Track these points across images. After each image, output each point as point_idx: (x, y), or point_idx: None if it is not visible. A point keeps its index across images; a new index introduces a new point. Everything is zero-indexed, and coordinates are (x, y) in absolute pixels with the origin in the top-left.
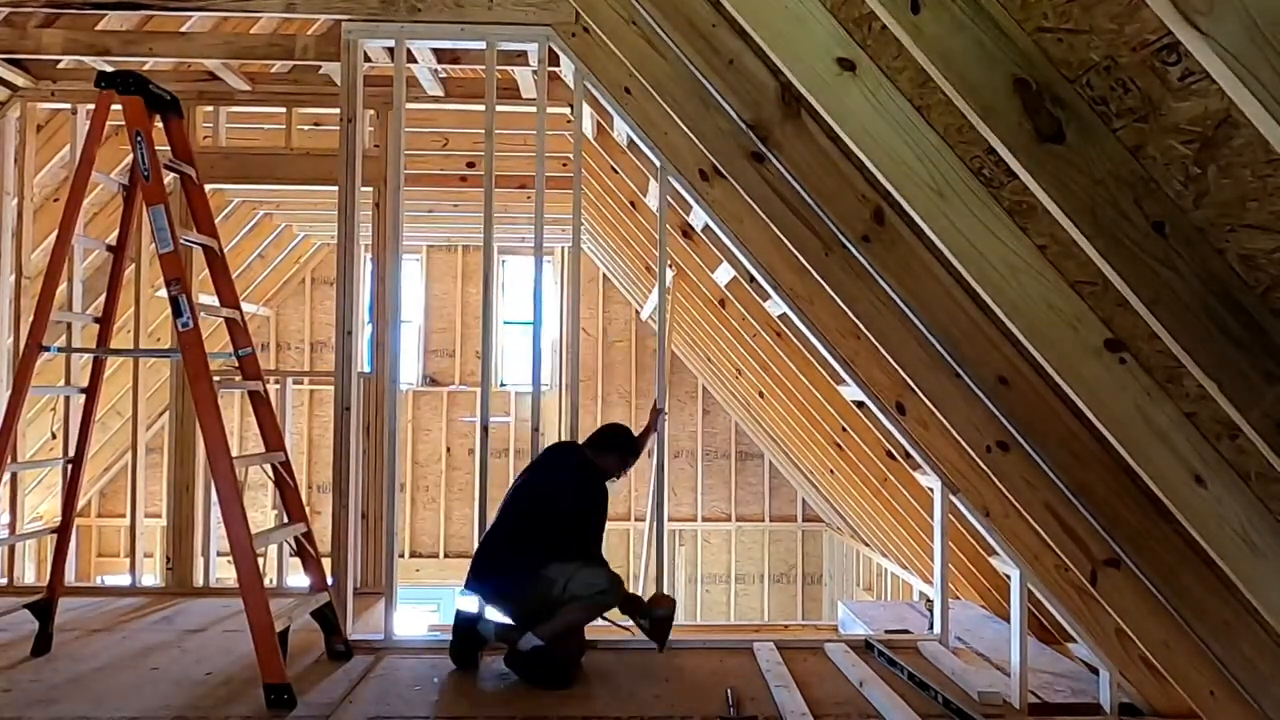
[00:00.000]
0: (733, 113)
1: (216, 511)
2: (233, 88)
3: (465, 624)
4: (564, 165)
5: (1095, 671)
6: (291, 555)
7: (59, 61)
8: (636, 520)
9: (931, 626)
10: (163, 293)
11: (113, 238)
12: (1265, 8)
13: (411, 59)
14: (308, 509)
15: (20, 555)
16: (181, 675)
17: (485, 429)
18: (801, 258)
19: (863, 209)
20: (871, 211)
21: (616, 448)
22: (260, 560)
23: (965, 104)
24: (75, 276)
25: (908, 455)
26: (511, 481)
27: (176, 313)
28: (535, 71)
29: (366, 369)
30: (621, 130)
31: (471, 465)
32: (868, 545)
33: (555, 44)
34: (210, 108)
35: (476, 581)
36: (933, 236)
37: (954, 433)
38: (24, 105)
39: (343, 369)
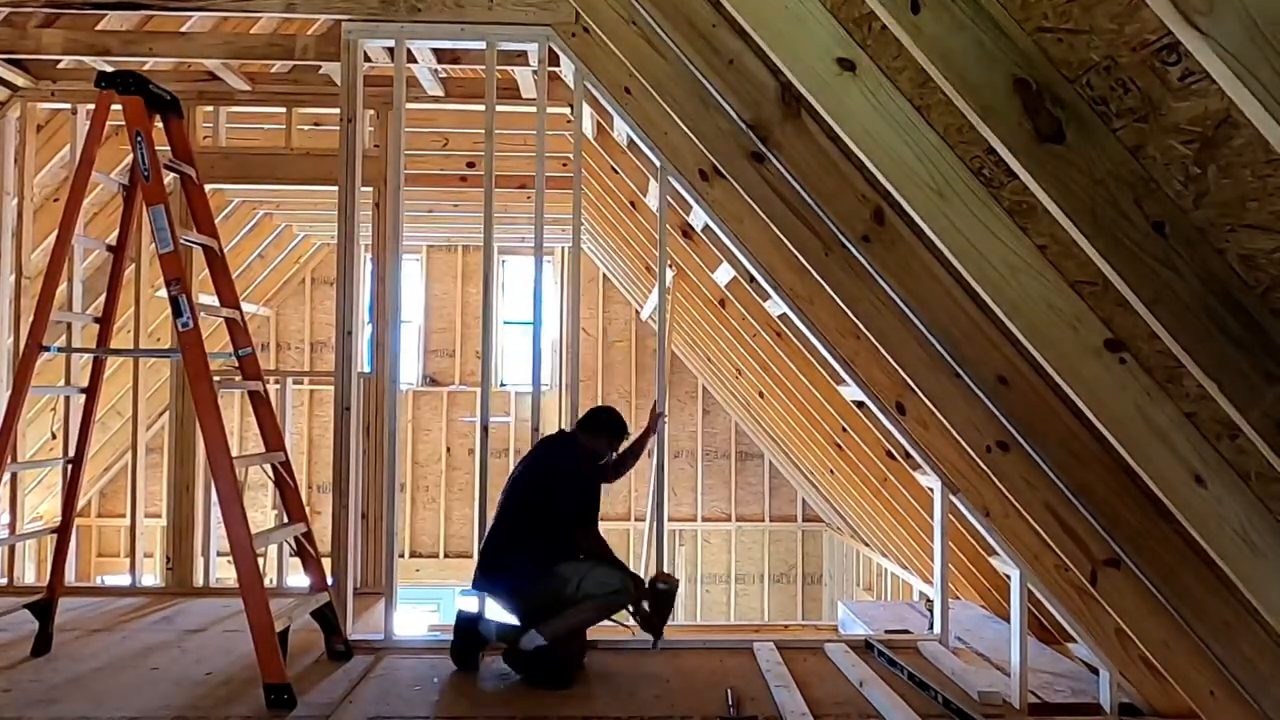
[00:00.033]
0: (733, 113)
1: (216, 511)
2: (233, 88)
3: (466, 624)
4: (564, 165)
5: (1095, 671)
6: (291, 555)
7: (59, 61)
8: (636, 520)
9: (931, 626)
10: (163, 293)
11: (113, 238)
12: (1265, 8)
13: (411, 59)
14: (308, 509)
15: (20, 555)
16: (181, 675)
17: (485, 429)
18: (801, 258)
19: (863, 209)
20: (871, 211)
21: (605, 430)
22: (260, 560)
23: (965, 104)
24: (75, 276)
25: (908, 455)
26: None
27: (176, 313)
28: (535, 71)
29: (366, 369)
30: (621, 130)
31: (471, 465)
32: (868, 545)
33: (555, 44)
34: (210, 108)
35: (484, 579)
36: (933, 236)
37: (954, 433)
38: (24, 105)
39: (343, 369)
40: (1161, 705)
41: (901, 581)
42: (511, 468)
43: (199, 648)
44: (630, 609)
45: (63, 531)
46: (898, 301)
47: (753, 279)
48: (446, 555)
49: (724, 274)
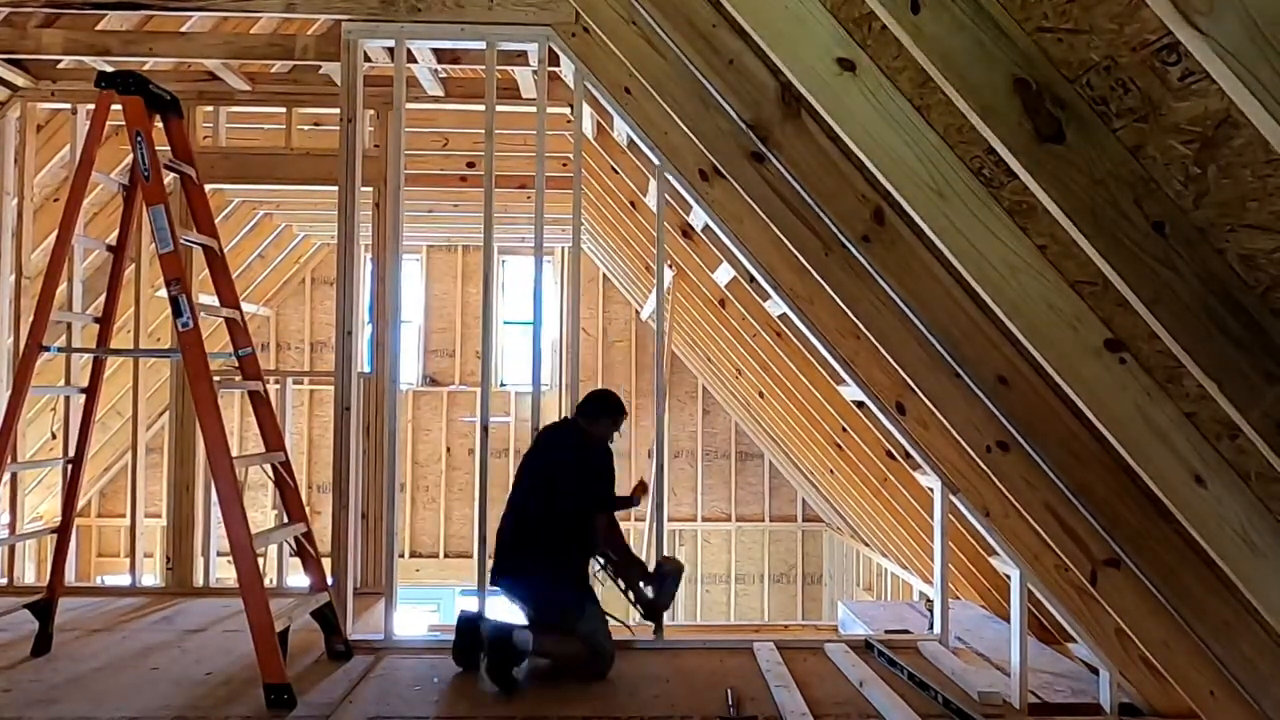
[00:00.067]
0: (733, 113)
1: (216, 511)
2: (233, 88)
3: (467, 624)
4: (564, 165)
5: (1095, 671)
6: (291, 555)
7: (59, 61)
8: (636, 520)
9: (931, 626)
10: (163, 293)
11: (113, 238)
12: (1265, 8)
13: (411, 59)
14: (308, 509)
15: (20, 555)
16: (181, 675)
17: (485, 429)
18: (801, 258)
19: (863, 209)
20: (871, 211)
21: (606, 412)
22: (260, 560)
23: (965, 104)
24: (75, 276)
25: (908, 455)
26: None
27: (176, 313)
28: (535, 71)
29: (366, 369)
30: (621, 130)
31: (471, 465)
32: (868, 545)
33: (555, 44)
34: (210, 108)
35: (499, 579)
36: (933, 236)
37: (954, 433)
38: (24, 105)
39: (343, 369)
40: (1161, 705)
41: (901, 581)
42: (512, 468)
43: (199, 648)
44: (632, 598)
45: (63, 531)
46: (898, 301)
47: (753, 279)
48: (446, 555)
49: (724, 274)
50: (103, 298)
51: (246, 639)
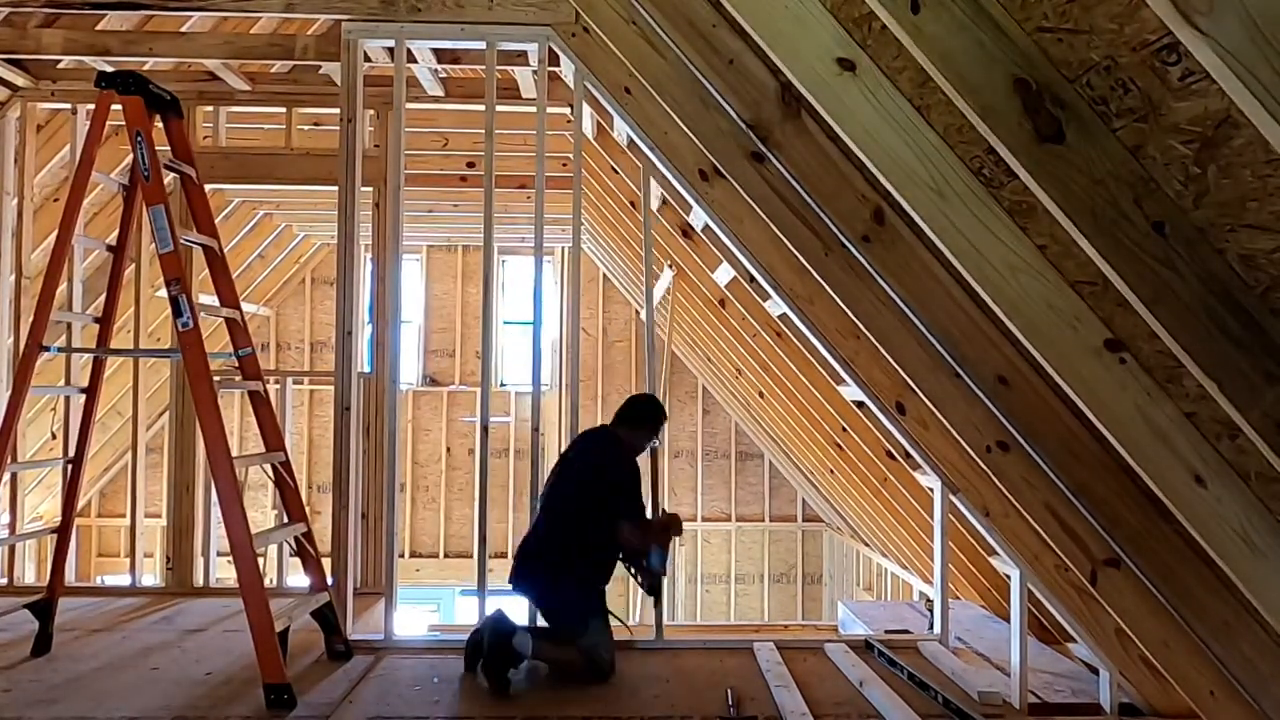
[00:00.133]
0: (733, 113)
1: (216, 511)
2: (233, 88)
3: (500, 635)
4: (564, 165)
5: (1095, 671)
6: (291, 555)
7: (59, 61)
8: None
9: (931, 626)
10: (163, 293)
11: (113, 238)
12: (1265, 8)
13: (411, 59)
14: (308, 509)
15: (20, 555)
16: (181, 675)
17: (485, 429)
18: (801, 258)
19: (863, 209)
20: (871, 211)
21: (648, 420)
22: (260, 560)
23: (965, 104)
24: (75, 276)
25: (908, 455)
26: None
27: (176, 313)
28: (535, 71)
29: (366, 369)
30: (621, 130)
31: (471, 465)
32: (868, 545)
33: (555, 44)
34: (210, 108)
35: (517, 580)
36: (933, 236)
37: (954, 433)
38: (24, 105)
39: (343, 369)
40: (1161, 705)
41: (901, 581)
42: (512, 468)
43: (199, 648)
44: (632, 570)
45: (63, 531)
46: (898, 301)
47: (753, 279)
48: (446, 555)
49: (724, 274)
50: (103, 298)
51: (246, 639)
